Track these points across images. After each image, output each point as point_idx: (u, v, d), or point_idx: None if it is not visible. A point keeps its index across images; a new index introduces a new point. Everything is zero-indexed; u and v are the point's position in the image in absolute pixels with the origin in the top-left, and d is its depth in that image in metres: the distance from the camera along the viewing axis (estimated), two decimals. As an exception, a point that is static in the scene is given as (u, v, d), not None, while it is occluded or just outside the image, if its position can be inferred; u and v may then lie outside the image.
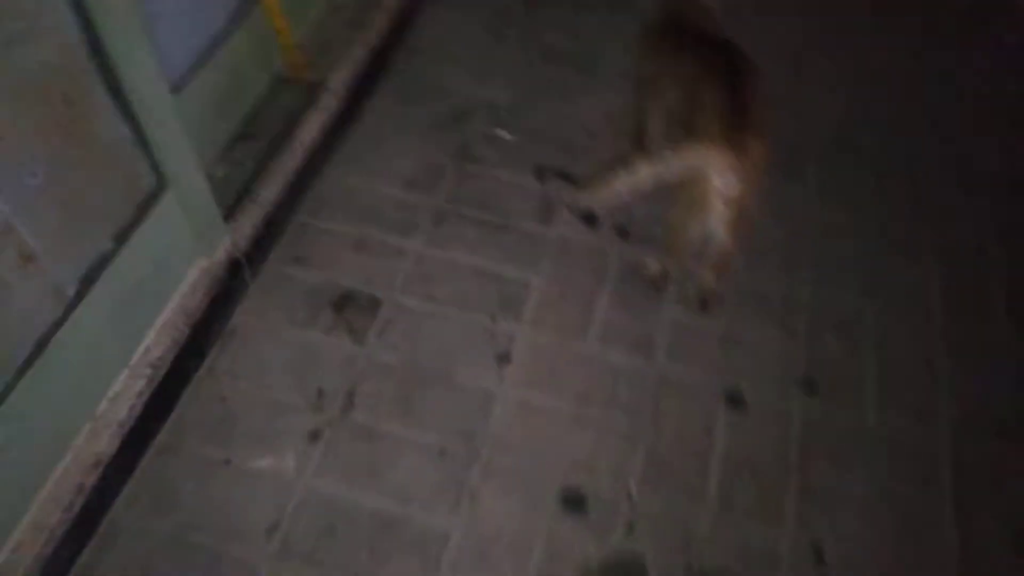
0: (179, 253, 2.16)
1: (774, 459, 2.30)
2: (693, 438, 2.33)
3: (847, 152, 3.15)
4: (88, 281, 1.79)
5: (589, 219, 2.83)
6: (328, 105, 2.79)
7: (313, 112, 2.73)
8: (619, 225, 2.81)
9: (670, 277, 2.61)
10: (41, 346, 1.68)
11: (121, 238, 1.90)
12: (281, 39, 2.64)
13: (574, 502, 2.19)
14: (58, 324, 1.73)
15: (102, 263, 1.84)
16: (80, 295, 1.78)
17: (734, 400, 2.42)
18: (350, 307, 2.52)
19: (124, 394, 2.01)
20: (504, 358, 2.45)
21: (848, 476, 2.28)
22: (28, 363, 1.66)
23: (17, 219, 1.53)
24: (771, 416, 2.39)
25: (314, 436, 2.25)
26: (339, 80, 2.86)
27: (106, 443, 1.93)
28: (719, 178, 2.03)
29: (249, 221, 2.44)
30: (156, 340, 2.10)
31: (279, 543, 2.05)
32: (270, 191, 2.53)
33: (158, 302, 2.13)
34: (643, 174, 2.08)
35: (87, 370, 1.91)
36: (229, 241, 2.32)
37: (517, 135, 3.07)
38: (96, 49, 1.64)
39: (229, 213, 2.39)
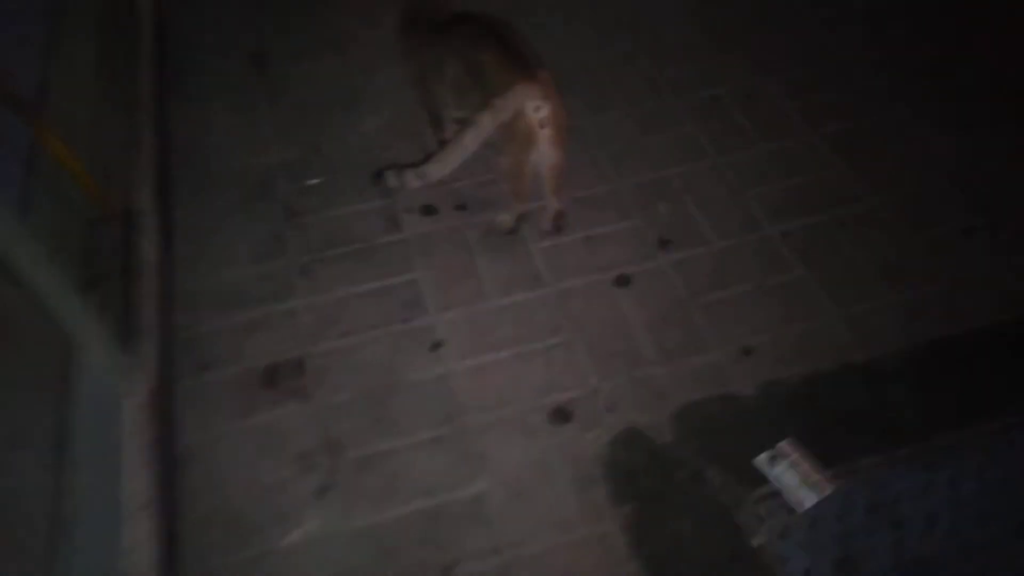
0: (110, 394, 2.13)
1: (673, 306, 2.78)
2: (611, 321, 2.74)
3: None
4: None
5: (429, 210, 3.13)
6: (149, 224, 2.80)
7: (140, 236, 2.72)
8: (456, 204, 3.14)
9: (522, 218, 3.00)
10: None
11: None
12: (80, 182, 2.61)
13: (560, 416, 2.50)
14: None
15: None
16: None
17: (621, 280, 2.86)
18: (279, 377, 2.60)
19: (137, 544, 1.96)
20: (436, 345, 2.68)
21: (730, 288, 2.82)
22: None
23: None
24: (654, 279, 2.87)
25: (322, 491, 2.32)
26: (145, 198, 2.87)
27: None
28: (533, 105, 2.45)
29: (145, 352, 2.42)
30: (134, 480, 2.06)
31: (353, 586, 2.13)
32: (147, 318, 2.51)
33: (120, 447, 2.09)
34: (483, 125, 2.43)
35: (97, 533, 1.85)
36: (143, 371, 2.30)
37: (325, 176, 3.26)
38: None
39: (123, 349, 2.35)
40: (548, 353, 2.65)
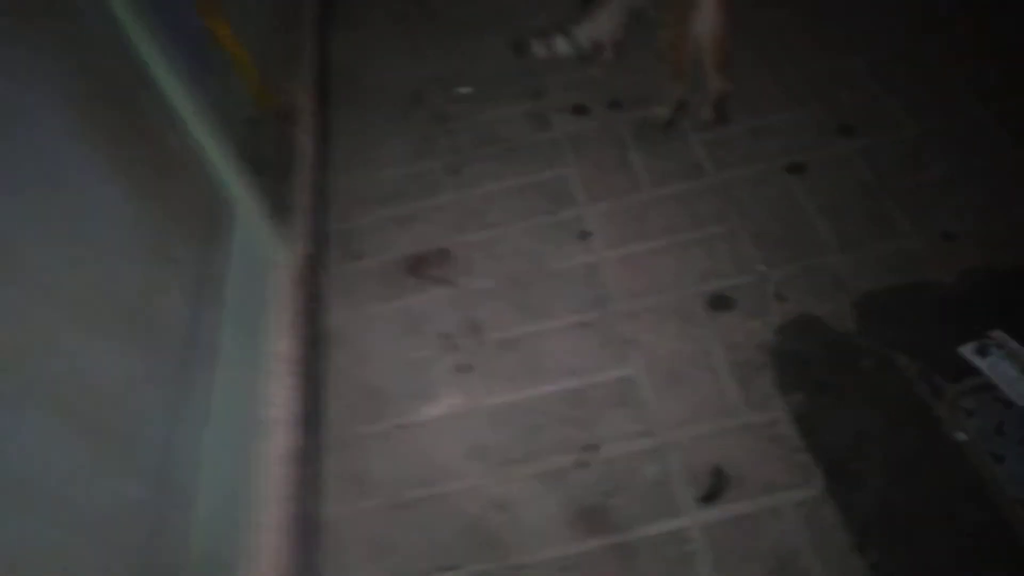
0: (262, 259, 2.17)
1: (856, 191, 2.43)
2: (782, 210, 2.44)
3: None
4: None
5: (580, 110, 2.97)
6: (306, 122, 2.86)
7: (299, 131, 2.79)
8: (610, 102, 2.95)
9: (683, 108, 2.75)
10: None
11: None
12: (246, 77, 2.71)
13: (721, 303, 2.24)
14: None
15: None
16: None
17: (794, 168, 2.55)
18: (425, 266, 2.55)
19: (279, 396, 1.97)
20: (584, 235, 2.52)
21: (928, 172, 2.42)
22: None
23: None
24: (833, 166, 2.53)
25: (464, 369, 2.24)
26: (305, 100, 2.94)
27: (285, 439, 1.88)
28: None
29: (298, 232, 2.46)
30: (281, 341, 2.08)
31: (487, 459, 2.02)
32: (302, 203, 2.55)
33: (266, 307, 2.12)
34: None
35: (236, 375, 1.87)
36: (293, 248, 2.33)
37: (475, 87, 3.20)
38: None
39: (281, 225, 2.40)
40: (708, 242, 2.40)
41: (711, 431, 1.98)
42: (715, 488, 1.87)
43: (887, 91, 2.71)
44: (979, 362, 1.96)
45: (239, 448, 1.78)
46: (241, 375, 1.87)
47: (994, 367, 1.94)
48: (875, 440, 1.88)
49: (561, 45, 2.54)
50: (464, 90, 3.20)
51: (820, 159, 2.56)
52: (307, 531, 1.85)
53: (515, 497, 1.94)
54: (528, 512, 1.91)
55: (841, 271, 2.24)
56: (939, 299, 2.12)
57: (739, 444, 1.94)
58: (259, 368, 1.98)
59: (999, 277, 2.13)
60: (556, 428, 2.05)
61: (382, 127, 3.09)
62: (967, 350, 1.99)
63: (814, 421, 1.94)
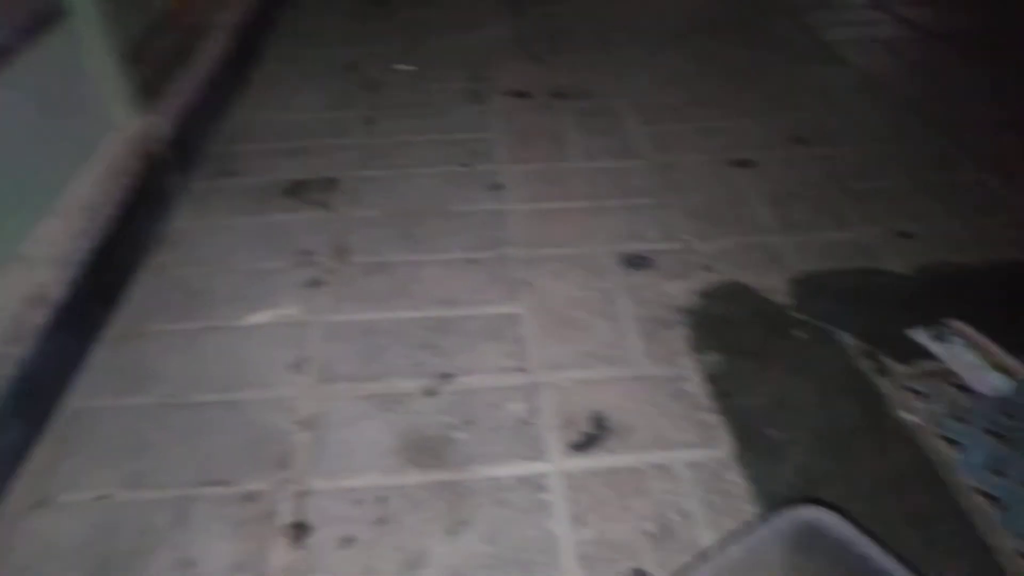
0: (90, 99, 1.77)
1: (806, 186, 2.16)
2: (722, 193, 2.15)
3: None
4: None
5: (521, 95, 2.72)
6: (220, 42, 2.56)
7: (208, 43, 2.48)
8: (555, 92, 2.72)
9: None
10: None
11: (22, 37, 1.52)
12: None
13: (638, 261, 1.88)
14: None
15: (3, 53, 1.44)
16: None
17: (742, 163, 2.28)
18: (305, 189, 2.17)
19: (55, 236, 1.51)
20: (496, 187, 2.18)
21: (884, 180, 2.17)
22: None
23: None
24: (783, 164, 2.27)
25: (314, 283, 1.81)
26: (227, 21, 2.66)
27: (45, 280, 1.41)
28: None
29: (166, 120, 2.08)
30: (85, 190, 1.64)
31: (315, 374, 1.55)
32: (180, 97, 2.19)
33: (78, 145, 1.69)
34: None
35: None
36: (146, 123, 1.94)
37: (416, 66, 2.97)
38: None
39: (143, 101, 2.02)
40: (634, 210, 2.08)
41: (599, 377, 1.54)
42: (592, 436, 1.41)
43: (840, 113, 2.52)
44: (935, 347, 1.60)
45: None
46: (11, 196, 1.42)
47: (952, 353, 1.58)
48: (801, 410, 1.47)
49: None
50: (403, 66, 2.96)
51: (771, 158, 2.30)
52: (21, 399, 1.33)
53: (332, 416, 1.45)
54: (343, 434, 1.42)
55: (781, 250, 1.91)
56: (891, 286, 1.79)
57: (629, 394, 1.50)
58: (37, 201, 1.52)
59: (959, 273, 1.81)
60: (407, 352, 1.60)
61: (306, 82, 2.80)
62: (920, 335, 1.63)
63: (729, 383, 1.53)
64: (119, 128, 1.86)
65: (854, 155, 2.31)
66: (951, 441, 1.39)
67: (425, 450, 1.39)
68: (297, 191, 2.16)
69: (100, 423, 1.42)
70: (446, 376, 1.54)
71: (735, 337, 1.65)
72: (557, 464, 1.36)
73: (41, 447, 1.36)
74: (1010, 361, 1.54)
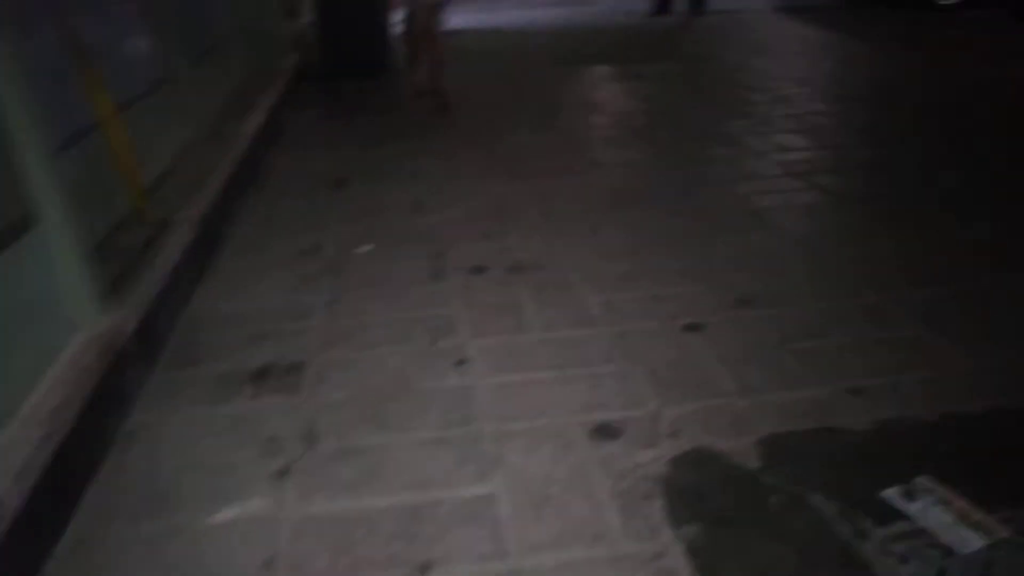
0: (57, 303, 1.78)
1: (756, 348, 2.25)
2: (678, 358, 2.22)
3: None
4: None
5: (478, 270, 2.84)
6: (182, 235, 2.65)
7: (170, 238, 2.56)
8: (511, 267, 2.85)
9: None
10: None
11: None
12: (127, 175, 2.55)
13: (606, 432, 1.91)
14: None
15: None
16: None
17: (692, 327, 2.39)
18: (270, 376, 2.18)
19: (16, 445, 1.47)
20: (461, 362, 2.22)
21: (829, 339, 2.29)
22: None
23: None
24: (732, 328, 2.38)
25: (281, 474, 1.77)
26: (189, 214, 2.76)
27: (3, 491, 1.35)
28: None
29: (131, 314, 2.10)
30: (48, 394, 1.62)
31: (286, 573, 1.48)
32: (145, 292, 2.23)
33: (43, 351, 1.68)
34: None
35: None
36: (111, 321, 1.96)
37: (375, 246, 3.09)
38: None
39: (108, 298, 2.05)
40: (596, 378, 2.13)
41: (580, 558, 1.52)
42: (580, 625, 1.36)
43: (782, 276, 2.69)
44: (908, 507, 1.63)
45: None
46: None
47: (925, 513, 1.61)
48: (790, 579, 1.46)
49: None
50: (363, 249, 3.08)
51: (719, 321, 2.42)
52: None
53: (305, 622, 1.38)
54: (317, 642, 1.34)
55: (744, 414, 1.97)
56: (852, 445, 1.85)
57: (617, 574, 1.47)
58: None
59: (913, 427, 1.89)
60: (381, 543, 1.55)
61: (268, 267, 2.88)
62: (891, 495, 1.67)
63: (712, 556, 1.52)
64: (84, 328, 1.86)
65: (797, 315, 2.44)
66: (939, 605, 1.39)
67: (407, 654, 1.31)
68: (262, 377, 2.16)
69: (52, 649, 1.31)
70: (424, 568, 1.49)
71: (710, 506, 1.65)
72: (547, 659, 1.30)
73: None
74: (980, 516, 1.58)
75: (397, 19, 6.15)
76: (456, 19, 6.63)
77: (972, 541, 1.53)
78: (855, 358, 2.19)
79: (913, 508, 1.63)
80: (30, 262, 1.68)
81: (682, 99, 5.31)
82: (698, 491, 1.70)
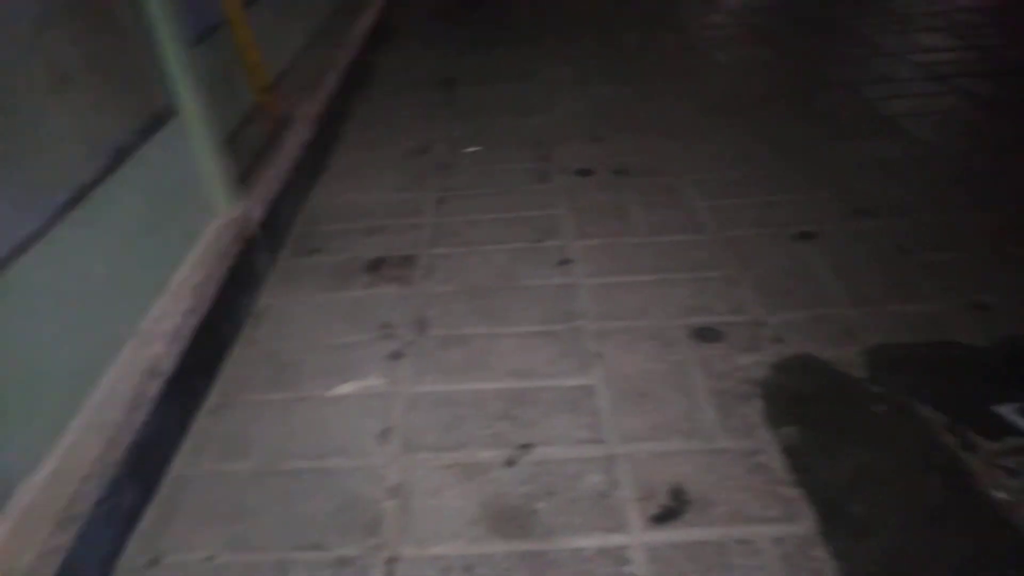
0: (197, 190, 1.93)
1: (873, 258, 2.17)
2: (788, 266, 2.17)
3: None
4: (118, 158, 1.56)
5: (584, 172, 2.83)
6: (302, 133, 2.76)
7: (291, 133, 2.68)
8: (617, 169, 2.82)
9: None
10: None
11: (141, 136, 1.69)
12: (252, 70, 2.66)
13: (707, 335, 1.92)
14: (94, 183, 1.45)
15: (125, 152, 1.61)
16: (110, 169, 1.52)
17: (804, 235, 2.32)
18: (384, 267, 2.29)
19: (168, 314, 1.63)
20: (564, 262, 2.26)
21: (957, 251, 2.17)
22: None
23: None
24: (847, 238, 2.29)
25: (396, 356, 1.89)
26: (307, 112, 2.87)
27: (159, 353, 1.52)
28: None
29: (257, 205, 2.24)
30: (191, 272, 1.78)
31: (399, 443, 1.62)
32: (270, 183, 2.37)
33: (186, 233, 1.84)
34: None
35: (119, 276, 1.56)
36: (245, 207, 2.10)
37: (483, 147, 3.11)
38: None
39: (238, 188, 2.19)
40: (700, 283, 2.12)
41: (676, 450, 1.57)
42: (672, 508, 1.43)
43: (903, 185, 2.54)
44: (1022, 424, 1.57)
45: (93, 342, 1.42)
46: (130, 273, 1.56)
47: (1039, 429, 1.55)
48: (885, 486, 1.46)
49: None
50: (471, 149, 3.12)
51: (833, 231, 2.33)
52: (137, 464, 1.42)
53: (417, 485, 1.51)
54: (428, 503, 1.47)
55: (853, 323, 1.92)
56: (969, 360, 1.78)
57: (709, 468, 1.52)
58: (153, 281, 1.66)
59: (1041, 346, 1.80)
60: (486, 423, 1.66)
61: (381, 166, 2.97)
62: (1008, 410, 1.61)
63: (808, 458, 1.53)
64: (220, 214, 2.02)
65: (920, 227, 2.31)
66: (1045, 519, 1.36)
67: (508, 520, 1.43)
68: (376, 268, 2.28)
69: (203, 488, 1.50)
70: (525, 447, 1.59)
71: (811, 410, 1.65)
72: (638, 537, 1.38)
73: (151, 510, 1.44)
74: (1101, 436, 1.51)
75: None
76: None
77: (1091, 461, 1.47)
78: (980, 274, 2.08)
79: (1029, 425, 1.57)
80: (173, 150, 1.82)
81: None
82: (799, 395, 1.70)
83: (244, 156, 2.46)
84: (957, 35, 3.93)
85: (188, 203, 1.89)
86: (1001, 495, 1.42)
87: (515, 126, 3.25)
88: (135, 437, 1.38)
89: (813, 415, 1.64)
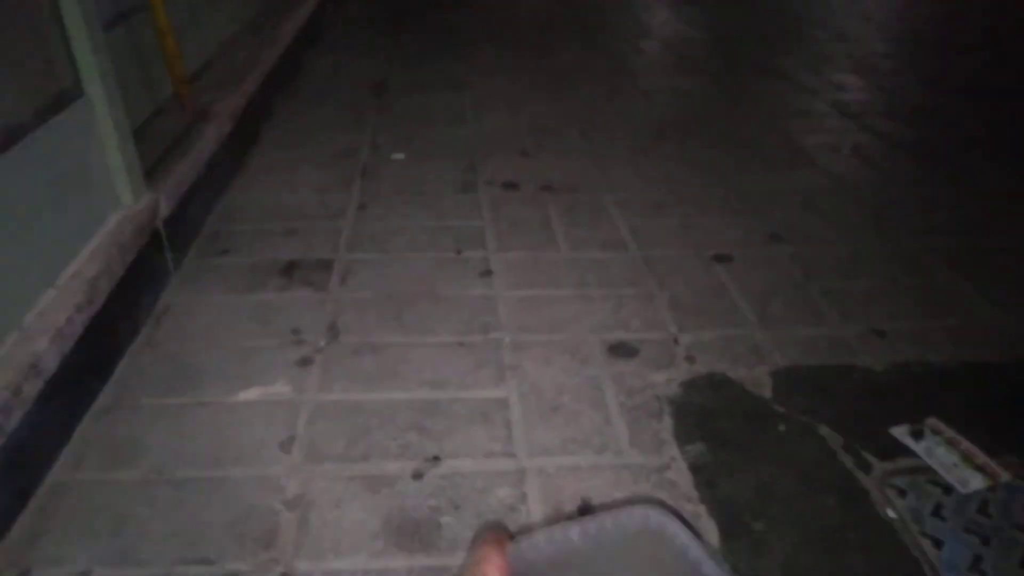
0: (98, 178, 1.82)
1: (783, 283, 2.23)
2: (704, 286, 2.22)
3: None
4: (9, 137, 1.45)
5: (510, 186, 2.83)
6: (220, 127, 2.66)
7: (208, 127, 2.58)
8: (542, 185, 2.83)
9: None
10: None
11: (39, 116, 1.58)
12: (170, 62, 2.55)
13: (622, 351, 1.93)
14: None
15: (17, 134, 1.51)
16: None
17: (721, 258, 2.37)
18: (299, 270, 2.22)
19: (55, 308, 1.53)
20: (486, 273, 2.24)
21: (858, 281, 2.26)
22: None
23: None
24: (760, 261, 2.36)
25: (305, 362, 1.83)
26: (227, 108, 2.77)
27: (41, 350, 1.42)
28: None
29: (166, 198, 2.14)
30: (86, 264, 1.67)
31: (302, 453, 1.55)
32: (181, 178, 2.26)
33: (83, 223, 1.73)
34: None
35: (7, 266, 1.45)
36: (151, 200, 2.00)
37: (409, 155, 3.08)
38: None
39: (145, 178, 2.08)
40: (618, 300, 2.14)
41: (586, 464, 1.56)
42: (579, 524, 1.41)
43: (819, 214, 2.64)
44: (913, 445, 1.64)
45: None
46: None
47: (930, 451, 1.62)
48: (784, 502, 1.49)
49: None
50: (397, 156, 3.07)
51: (748, 254, 2.39)
52: (9, 468, 1.31)
53: (318, 497, 1.45)
54: (329, 515, 1.41)
55: (762, 344, 1.97)
56: (868, 383, 1.85)
57: (617, 483, 1.52)
58: (41, 273, 1.55)
59: (932, 371, 1.88)
60: (395, 433, 1.61)
61: (302, 167, 2.89)
62: (899, 431, 1.68)
63: (713, 474, 1.55)
64: (123, 205, 1.91)
65: (829, 255, 2.41)
66: (933, 539, 1.41)
67: (412, 534, 1.38)
68: (290, 271, 2.21)
69: (83, 496, 1.40)
70: (434, 459, 1.55)
71: (718, 428, 1.68)
72: (544, 551, 1.36)
73: (22, 519, 1.33)
74: (984, 459, 1.59)
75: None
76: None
77: (973, 482, 1.54)
78: (882, 300, 2.17)
79: (919, 446, 1.64)
80: (73, 134, 1.71)
81: (738, 31, 5.12)
82: (707, 413, 1.73)
83: (156, 148, 2.34)
84: (868, 76, 4.14)
85: (87, 192, 1.77)
86: (891, 514, 1.47)
87: (444, 136, 3.23)
88: (7, 440, 1.27)
89: (720, 433, 1.67)
